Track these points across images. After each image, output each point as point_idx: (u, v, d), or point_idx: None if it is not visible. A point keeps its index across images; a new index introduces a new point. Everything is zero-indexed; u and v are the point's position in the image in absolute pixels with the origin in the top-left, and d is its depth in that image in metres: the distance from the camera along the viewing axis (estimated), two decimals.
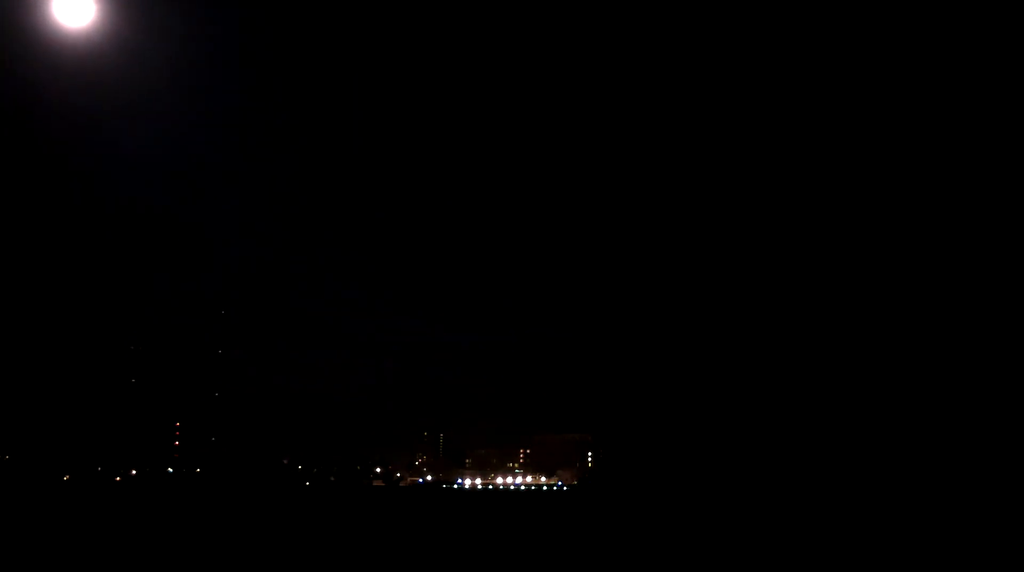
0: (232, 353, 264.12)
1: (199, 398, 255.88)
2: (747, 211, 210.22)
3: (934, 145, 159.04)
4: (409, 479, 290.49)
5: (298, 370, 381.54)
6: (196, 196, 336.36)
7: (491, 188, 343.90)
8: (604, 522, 62.09)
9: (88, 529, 49.31)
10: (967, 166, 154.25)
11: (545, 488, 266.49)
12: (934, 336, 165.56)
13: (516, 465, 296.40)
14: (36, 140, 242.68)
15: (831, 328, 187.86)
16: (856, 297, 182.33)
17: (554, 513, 78.16)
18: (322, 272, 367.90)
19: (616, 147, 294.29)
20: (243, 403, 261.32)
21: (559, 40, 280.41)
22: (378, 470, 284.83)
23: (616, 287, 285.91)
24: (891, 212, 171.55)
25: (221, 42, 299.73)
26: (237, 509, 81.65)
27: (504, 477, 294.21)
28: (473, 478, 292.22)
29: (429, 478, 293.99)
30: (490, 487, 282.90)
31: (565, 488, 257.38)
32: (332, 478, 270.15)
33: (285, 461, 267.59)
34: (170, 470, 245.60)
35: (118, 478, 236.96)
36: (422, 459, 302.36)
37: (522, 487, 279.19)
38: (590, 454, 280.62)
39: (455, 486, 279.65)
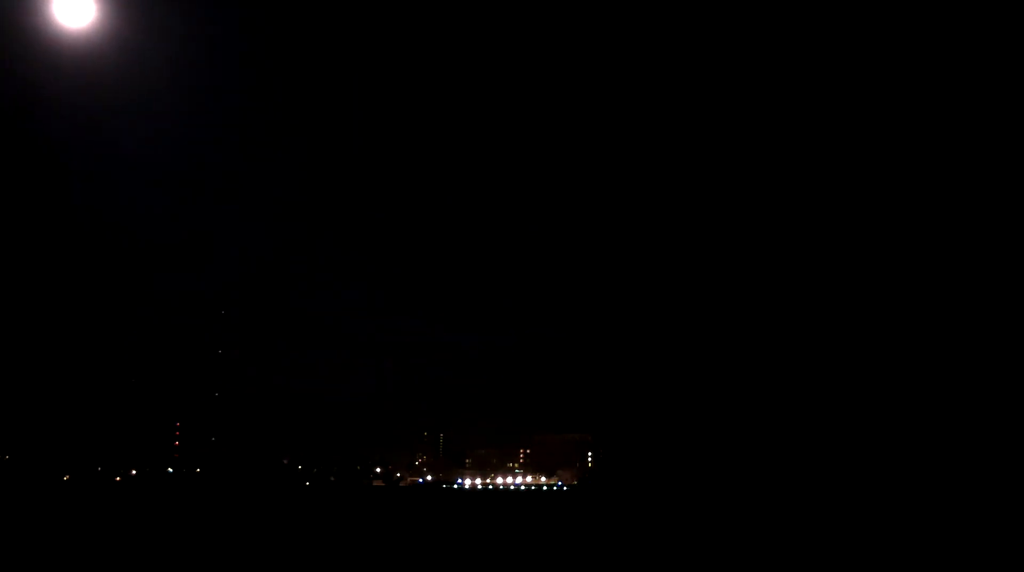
0: (232, 353, 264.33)
1: (199, 398, 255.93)
2: (747, 212, 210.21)
3: (934, 145, 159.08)
4: (409, 479, 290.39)
5: (298, 370, 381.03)
6: (196, 196, 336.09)
7: (491, 188, 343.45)
8: (604, 522, 62.07)
9: (88, 529, 49.29)
10: (967, 166, 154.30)
11: (545, 488, 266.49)
12: (934, 336, 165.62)
13: (516, 465, 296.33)
14: (36, 140, 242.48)
15: (831, 328, 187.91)
16: (856, 297, 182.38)
17: (554, 513, 78.14)
18: (322, 272, 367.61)
19: (616, 148, 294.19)
20: (243, 403, 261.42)
21: (559, 40, 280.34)
22: (378, 470, 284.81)
23: (616, 288, 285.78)
24: (891, 212, 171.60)
25: (221, 42, 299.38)
26: (237, 509, 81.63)
27: (504, 477, 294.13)
28: (473, 478, 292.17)
29: (429, 478, 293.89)
30: (490, 487, 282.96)
31: (565, 488, 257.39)
32: (332, 478, 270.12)
33: (285, 461, 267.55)
34: (170, 470, 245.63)
35: (118, 478, 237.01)
36: (422, 459, 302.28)
37: (522, 487, 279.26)
38: (590, 454, 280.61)
39: (455, 486, 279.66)
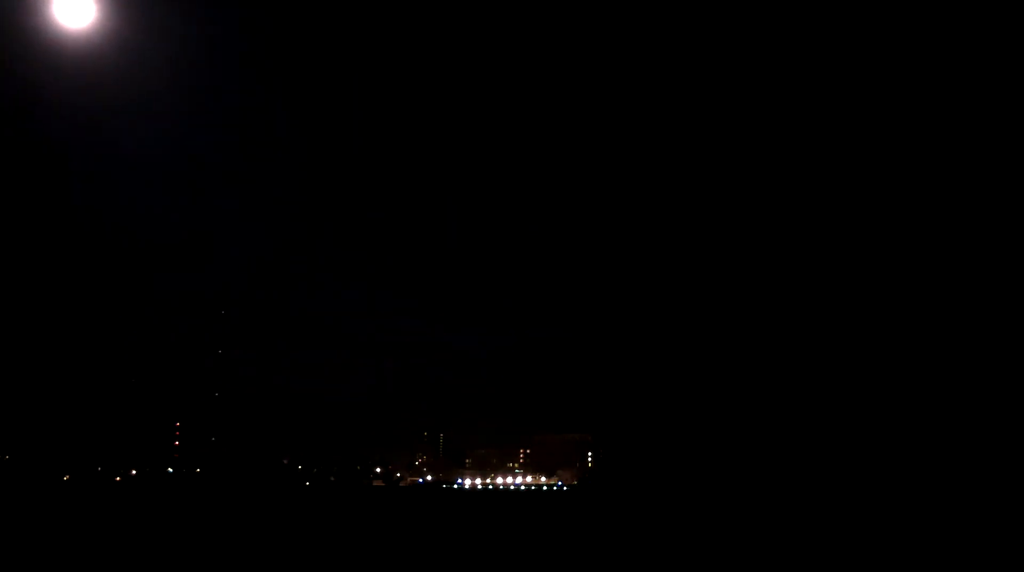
0: (232, 353, 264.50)
1: (199, 398, 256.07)
2: (746, 212, 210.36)
3: (934, 145, 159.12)
4: (409, 479, 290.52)
5: (298, 370, 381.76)
6: (196, 196, 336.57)
7: (491, 188, 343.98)
8: (604, 522, 62.08)
9: (88, 529, 49.31)
10: (967, 166, 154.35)
11: (545, 488, 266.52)
12: (934, 336, 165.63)
13: (516, 465, 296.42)
14: (36, 140, 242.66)
15: (831, 328, 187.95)
16: (856, 297, 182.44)
17: (554, 513, 78.13)
18: (322, 272, 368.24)
19: (616, 148, 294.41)
20: (243, 403, 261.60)
21: (559, 41, 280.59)
22: (378, 470, 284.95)
23: (616, 288, 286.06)
24: (891, 212, 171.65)
25: (221, 42, 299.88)
26: (237, 509, 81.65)
27: (504, 477, 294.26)
28: (473, 478, 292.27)
29: (429, 478, 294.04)
30: (490, 487, 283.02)
31: (565, 488, 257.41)
32: (332, 478, 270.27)
33: (285, 461, 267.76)
34: (170, 470, 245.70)
35: (118, 478, 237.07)
36: (422, 459, 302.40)
37: (522, 487, 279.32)
38: (590, 454, 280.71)
39: (455, 486, 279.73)
